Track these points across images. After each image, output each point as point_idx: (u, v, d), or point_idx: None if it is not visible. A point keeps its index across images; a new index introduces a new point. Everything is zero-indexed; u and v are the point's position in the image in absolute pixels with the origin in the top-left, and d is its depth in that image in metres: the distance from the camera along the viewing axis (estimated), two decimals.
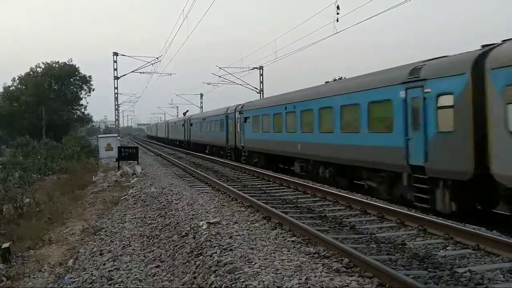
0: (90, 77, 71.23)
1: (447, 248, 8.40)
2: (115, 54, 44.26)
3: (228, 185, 16.99)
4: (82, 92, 71.54)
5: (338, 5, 19.62)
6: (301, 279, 6.47)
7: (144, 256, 9.53)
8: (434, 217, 10.48)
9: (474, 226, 9.50)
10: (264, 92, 48.03)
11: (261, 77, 48.18)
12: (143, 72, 47.86)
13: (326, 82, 34.30)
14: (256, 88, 48.38)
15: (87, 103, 73.63)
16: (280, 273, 6.76)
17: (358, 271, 6.88)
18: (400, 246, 8.48)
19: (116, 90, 45.81)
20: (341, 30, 22.65)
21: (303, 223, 9.99)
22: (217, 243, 8.45)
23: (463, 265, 7.34)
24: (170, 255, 9.22)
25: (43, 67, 68.89)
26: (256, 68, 47.53)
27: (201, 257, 8.06)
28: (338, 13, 20.18)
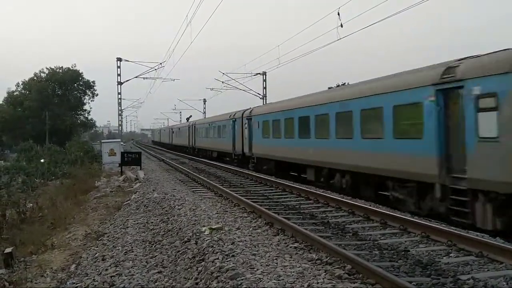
0: (93, 82, 71.67)
1: (450, 255, 8.36)
2: (119, 59, 44.38)
3: (230, 190, 16.96)
4: (86, 97, 71.94)
5: (338, 12, 20.00)
6: (303, 286, 6.45)
7: (146, 262, 9.53)
8: (437, 223, 10.44)
9: (477, 233, 9.46)
10: (267, 97, 48.09)
11: (264, 82, 48.24)
12: (146, 78, 48.09)
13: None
14: (259, 94, 48.45)
15: (91, 108, 74.02)
16: (282, 279, 6.74)
17: (361, 278, 6.85)
18: (403, 252, 8.44)
19: (119, 95, 45.93)
20: (344, 36, 22.69)
21: (306, 229, 9.95)
22: (219, 249, 8.44)
23: (466, 272, 7.30)
24: (172, 260, 9.20)
25: (46, 72, 69.28)
26: (259, 73, 47.62)
27: (203, 263, 8.04)
28: (339, 19, 20.53)
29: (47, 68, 69.70)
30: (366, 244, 9.17)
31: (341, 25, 21.21)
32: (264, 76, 47.83)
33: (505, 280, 6.81)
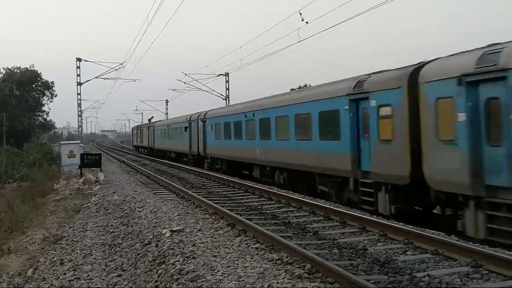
0: (52, 83, 70.09)
1: (407, 253, 8.56)
2: (78, 59, 43.65)
3: (193, 192, 16.89)
4: (45, 98, 70.33)
5: (300, 13, 20.34)
6: (264, 286, 6.50)
7: (105, 265, 9.39)
8: (395, 222, 10.67)
9: (433, 232, 9.71)
10: (230, 98, 48.05)
11: (227, 83, 48.17)
12: (106, 78, 47.34)
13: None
14: (222, 95, 48.35)
15: (50, 109, 72.42)
16: (243, 280, 6.77)
17: (320, 277, 6.95)
18: (361, 251, 8.59)
19: (79, 96, 45.10)
20: (305, 38, 22.99)
21: (267, 229, 10.01)
22: (180, 251, 8.40)
23: (422, 269, 7.49)
24: (132, 263, 9.11)
25: (4, 72, 67.38)
26: (222, 74, 47.51)
27: (163, 266, 8.00)
28: (302, 19, 20.78)
29: (4, 68, 67.87)
30: (326, 243, 9.30)
31: (307, 22, 21.44)
32: (227, 77, 47.79)
33: (459, 276, 7.03)
